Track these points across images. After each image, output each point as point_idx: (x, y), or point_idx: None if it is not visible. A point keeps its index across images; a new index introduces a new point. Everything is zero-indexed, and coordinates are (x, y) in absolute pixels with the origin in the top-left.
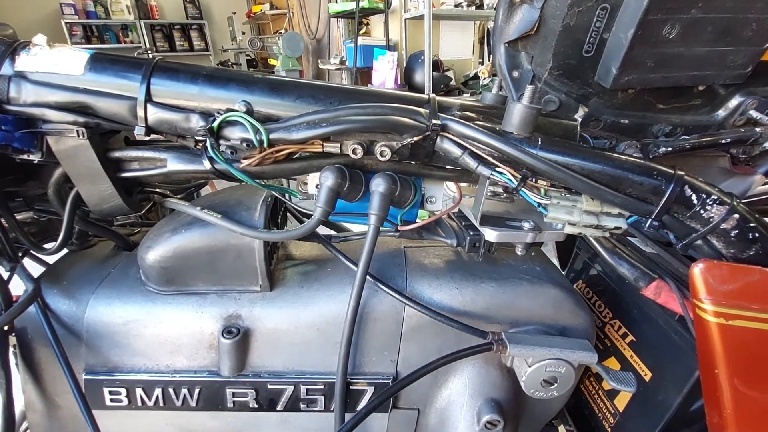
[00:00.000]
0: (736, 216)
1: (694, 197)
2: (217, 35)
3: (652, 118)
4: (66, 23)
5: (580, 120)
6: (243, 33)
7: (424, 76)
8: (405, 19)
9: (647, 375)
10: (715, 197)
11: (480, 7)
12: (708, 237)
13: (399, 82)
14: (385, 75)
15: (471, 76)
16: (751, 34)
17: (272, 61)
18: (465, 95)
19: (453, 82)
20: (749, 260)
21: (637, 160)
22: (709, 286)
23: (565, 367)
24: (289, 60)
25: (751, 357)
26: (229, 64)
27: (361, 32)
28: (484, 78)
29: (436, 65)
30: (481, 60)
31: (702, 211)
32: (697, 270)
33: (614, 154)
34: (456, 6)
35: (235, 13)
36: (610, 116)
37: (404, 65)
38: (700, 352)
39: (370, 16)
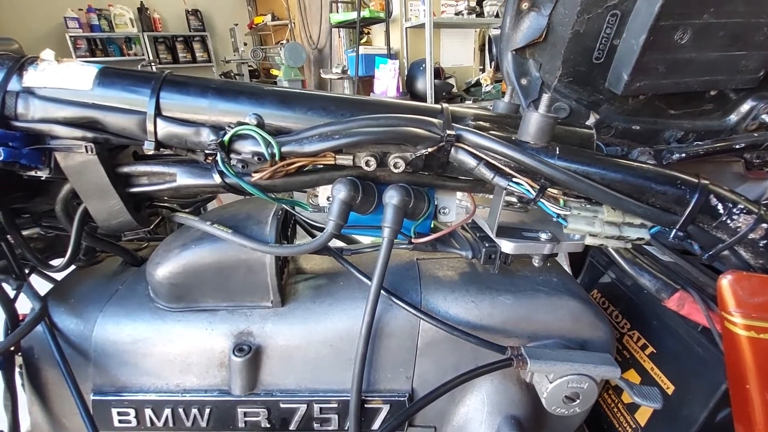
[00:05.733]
0: (765, 225)
1: (720, 206)
2: (220, 46)
3: (664, 124)
4: (70, 37)
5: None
6: (245, 44)
7: (425, 83)
8: (406, 28)
9: (669, 388)
10: (742, 206)
11: (480, 14)
12: (735, 247)
13: (401, 90)
14: (386, 83)
15: (473, 83)
16: (762, 39)
17: (274, 72)
18: (468, 102)
19: (455, 89)
20: None
21: (659, 168)
22: (738, 298)
23: (588, 383)
24: (291, 70)
25: None
26: (232, 74)
27: (362, 41)
28: (486, 85)
29: (438, 73)
30: (482, 67)
31: (729, 221)
32: (726, 281)
33: (635, 163)
34: (456, 14)
35: (237, 25)
36: (622, 123)
37: (406, 73)
38: (730, 367)
39: (371, 25)
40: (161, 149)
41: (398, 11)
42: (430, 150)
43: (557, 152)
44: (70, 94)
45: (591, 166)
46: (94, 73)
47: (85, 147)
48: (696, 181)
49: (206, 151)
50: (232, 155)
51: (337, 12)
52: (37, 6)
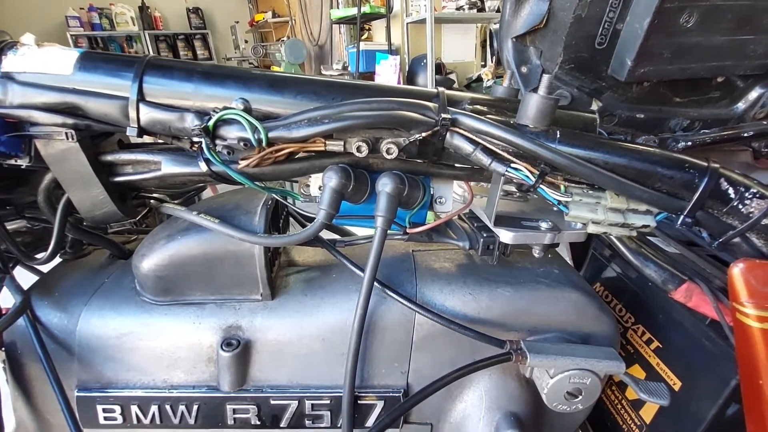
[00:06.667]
0: None
1: (731, 191)
2: (221, 44)
3: (669, 112)
4: (71, 35)
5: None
6: (246, 41)
7: (426, 79)
8: (407, 24)
9: (676, 384)
10: (755, 191)
11: (481, 9)
12: (747, 234)
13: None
14: (387, 79)
15: (474, 78)
16: None
17: (275, 68)
18: None
19: (456, 85)
20: None
21: (666, 152)
22: (751, 288)
23: (591, 378)
24: (291, 66)
25: None
26: None
27: (363, 37)
28: (488, 80)
29: (439, 68)
30: (483, 63)
31: (740, 206)
32: (738, 270)
33: (641, 147)
34: (458, 9)
35: (238, 22)
36: (625, 110)
37: (407, 69)
38: (741, 361)
39: (371, 21)
40: (145, 136)
41: (399, 6)
42: (424, 135)
43: (558, 136)
44: (50, 79)
45: (593, 150)
46: (75, 57)
47: (66, 134)
48: (705, 164)
49: (191, 138)
50: (218, 141)
51: (338, 8)
52: (38, 5)
